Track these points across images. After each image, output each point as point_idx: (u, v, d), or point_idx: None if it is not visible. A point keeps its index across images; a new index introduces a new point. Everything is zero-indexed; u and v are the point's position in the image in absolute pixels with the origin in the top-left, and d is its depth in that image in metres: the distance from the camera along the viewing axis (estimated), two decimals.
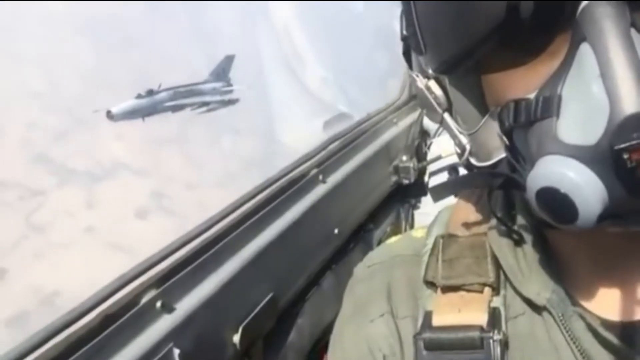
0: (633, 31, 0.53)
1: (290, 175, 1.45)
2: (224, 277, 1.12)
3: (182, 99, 19.73)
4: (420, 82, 0.78)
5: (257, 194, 1.30)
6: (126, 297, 0.94)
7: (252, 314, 1.16)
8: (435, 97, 0.77)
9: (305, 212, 1.43)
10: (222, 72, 21.06)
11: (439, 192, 0.77)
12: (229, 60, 21.19)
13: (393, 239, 0.93)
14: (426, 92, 0.78)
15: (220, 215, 1.18)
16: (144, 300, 0.96)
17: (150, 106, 18.79)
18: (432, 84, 0.77)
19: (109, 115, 18.03)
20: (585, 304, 0.66)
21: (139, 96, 18.64)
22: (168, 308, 0.99)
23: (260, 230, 1.26)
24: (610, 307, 0.65)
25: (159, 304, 0.97)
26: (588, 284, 0.67)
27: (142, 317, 0.94)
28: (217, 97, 20.66)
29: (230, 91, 21.01)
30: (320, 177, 1.56)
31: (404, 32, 0.75)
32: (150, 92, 18.85)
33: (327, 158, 1.63)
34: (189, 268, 1.06)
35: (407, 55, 0.80)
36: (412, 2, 0.69)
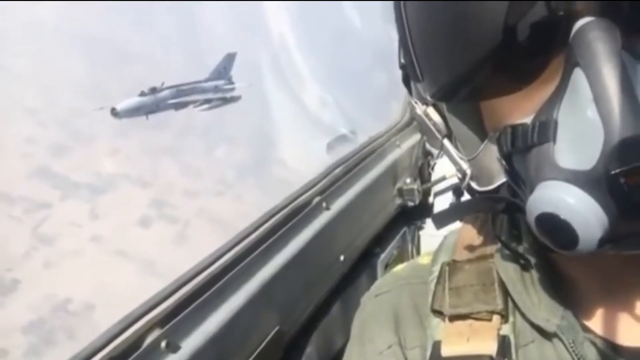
0: (625, 54, 0.53)
1: (293, 204, 1.44)
2: (230, 312, 1.11)
3: (184, 96, 20.00)
4: (419, 109, 0.79)
5: (259, 226, 1.30)
6: (130, 338, 0.94)
7: (259, 349, 1.15)
8: (435, 124, 0.78)
9: (310, 241, 1.42)
10: (223, 70, 21.29)
11: (442, 219, 0.77)
12: (230, 57, 21.44)
13: (399, 266, 0.92)
14: (425, 118, 0.79)
15: (223, 250, 1.17)
16: (149, 340, 0.95)
17: (153, 104, 18.99)
18: (431, 110, 0.78)
19: (114, 112, 18.27)
20: (595, 329, 0.65)
21: (142, 94, 18.88)
22: (173, 347, 0.98)
23: (265, 262, 1.26)
24: (622, 332, 0.64)
25: (163, 343, 0.96)
26: (597, 308, 0.66)
27: (147, 359, 0.93)
28: (219, 95, 20.94)
29: (232, 89, 21.23)
30: (324, 204, 1.55)
31: (402, 60, 0.75)
32: (154, 90, 19.08)
33: (330, 185, 1.62)
34: (193, 305, 1.05)
35: (406, 82, 0.81)
36: (407, 31, 0.69)
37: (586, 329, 0.65)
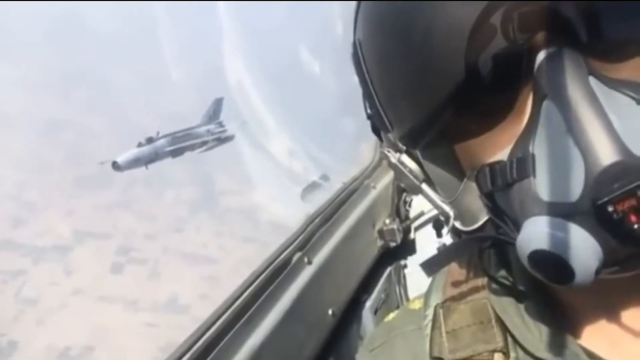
0: (592, 79, 0.52)
1: (274, 264, 1.41)
2: None
3: (180, 143, 20.53)
4: (393, 157, 0.78)
5: (242, 293, 1.26)
6: None
7: None
8: (411, 171, 0.77)
9: (296, 300, 1.38)
10: (213, 114, 22.17)
11: (432, 267, 0.75)
12: (218, 102, 22.33)
13: (390, 315, 0.90)
14: (400, 166, 0.77)
15: (207, 324, 1.13)
16: None
17: (152, 153, 19.72)
18: (405, 158, 0.77)
19: (115, 165, 18.86)
20: (600, 352, 0.64)
21: (139, 145, 19.40)
22: None
23: (251, 330, 1.22)
24: (627, 353, 0.63)
25: None
26: (599, 332, 0.65)
27: None
28: (214, 137, 21.55)
29: (224, 130, 21.86)
30: (305, 259, 1.52)
31: (368, 111, 0.75)
32: (150, 140, 19.72)
33: (309, 238, 1.60)
34: None
35: (376, 131, 0.80)
36: (370, 83, 0.69)
37: (591, 355, 0.63)
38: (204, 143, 21.48)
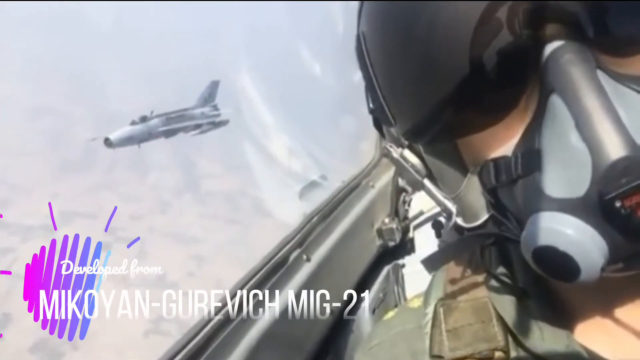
0: (600, 73, 0.52)
1: (273, 261, 1.40)
2: None
3: (174, 123, 20.46)
4: (395, 152, 0.78)
5: (240, 288, 1.25)
6: None
7: None
8: (413, 166, 0.76)
9: (294, 298, 1.38)
10: (208, 96, 22.11)
11: (433, 263, 0.74)
12: (214, 85, 22.24)
13: (390, 313, 0.89)
14: (402, 161, 0.77)
15: (204, 321, 1.12)
16: None
17: (145, 132, 19.47)
18: (407, 153, 0.77)
19: (107, 142, 18.75)
20: (601, 351, 0.63)
21: (133, 123, 19.37)
22: None
23: (248, 328, 1.21)
24: (630, 353, 0.62)
25: None
26: (601, 331, 0.64)
27: None
28: (208, 120, 21.50)
29: (219, 114, 21.79)
30: (304, 256, 1.52)
31: (371, 105, 0.74)
32: (144, 119, 19.64)
33: (307, 235, 1.59)
34: None
35: (378, 126, 0.79)
36: (373, 77, 0.68)
37: (592, 354, 0.63)
38: (198, 126, 21.40)
